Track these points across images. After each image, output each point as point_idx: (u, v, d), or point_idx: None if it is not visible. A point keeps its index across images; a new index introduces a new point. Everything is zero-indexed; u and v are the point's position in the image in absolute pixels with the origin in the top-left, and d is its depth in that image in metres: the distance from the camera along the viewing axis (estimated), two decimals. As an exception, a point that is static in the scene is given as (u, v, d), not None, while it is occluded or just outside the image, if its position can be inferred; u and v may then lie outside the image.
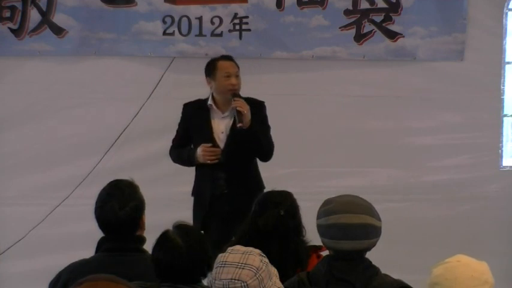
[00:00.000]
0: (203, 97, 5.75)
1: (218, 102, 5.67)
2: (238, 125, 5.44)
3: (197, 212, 5.70)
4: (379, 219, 3.30)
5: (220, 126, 5.65)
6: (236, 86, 5.57)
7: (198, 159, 5.59)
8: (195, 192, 5.77)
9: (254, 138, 5.52)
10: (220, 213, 5.55)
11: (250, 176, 5.67)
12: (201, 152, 5.56)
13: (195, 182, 5.80)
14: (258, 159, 5.75)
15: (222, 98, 5.64)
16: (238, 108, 5.46)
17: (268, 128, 5.70)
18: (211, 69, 5.67)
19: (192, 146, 5.72)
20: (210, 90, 5.70)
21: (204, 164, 5.59)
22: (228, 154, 5.56)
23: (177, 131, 5.84)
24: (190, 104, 5.79)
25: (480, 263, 3.05)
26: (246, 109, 5.46)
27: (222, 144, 5.61)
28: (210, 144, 5.57)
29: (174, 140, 5.84)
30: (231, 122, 5.61)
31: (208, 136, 5.61)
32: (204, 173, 5.66)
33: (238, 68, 5.68)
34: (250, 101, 5.66)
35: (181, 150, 5.74)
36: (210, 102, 5.67)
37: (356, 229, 3.22)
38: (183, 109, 5.82)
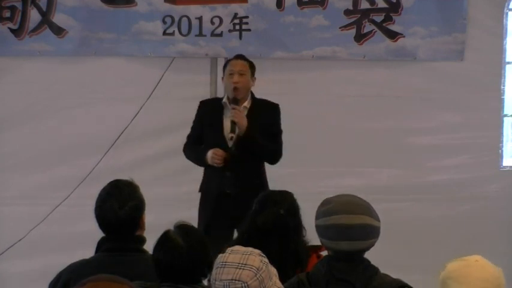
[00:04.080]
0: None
1: (230, 101, 5.71)
2: (230, 135, 5.49)
3: (203, 209, 5.73)
4: (378, 220, 3.30)
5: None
6: (238, 84, 5.59)
7: (207, 160, 5.63)
8: (202, 189, 5.79)
9: (251, 144, 5.54)
10: (225, 213, 5.57)
11: (256, 178, 5.68)
12: (211, 154, 5.59)
13: (203, 178, 5.82)
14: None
15: (230, 96, 5.68)
16: (230, 118, 5.51)
17: (278, 131, 5.72)
18: (223, 68, 5.78)
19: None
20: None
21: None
22: (234, 156, 5.57)
23: (192, 128, 5.86)
24: (206, 101, 5.86)
25: (496, 267, 3.06)
26: (239, 118, 5.48)
27: (231, 143, 5.64)
28: (218, 149, 5.60)
29: (188, 137, 5.87)
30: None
31: (218, 134, 5.65)
32: (212, 171, 5.69)
33: (252, 67, 5.71)
34: (264, 103, 5.70)
35: (195, 148, 5.76)
36: (224, 100, 5.71)
37: (355, 229, 3.22)
38: (199, 106, 5.86)
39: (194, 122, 5.86)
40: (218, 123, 5.67)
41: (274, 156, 5.71)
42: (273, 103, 5.76)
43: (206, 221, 5.57)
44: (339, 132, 6.76)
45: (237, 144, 5.58)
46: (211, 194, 5.66)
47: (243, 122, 5.51)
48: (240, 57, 5.81)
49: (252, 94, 5.74)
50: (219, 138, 5.63)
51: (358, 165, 6.81)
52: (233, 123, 5.52)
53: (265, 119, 5.64)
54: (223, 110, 5.70)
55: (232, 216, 5.50)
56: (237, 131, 5.54)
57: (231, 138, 5.52)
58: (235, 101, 5.59)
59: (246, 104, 5.65)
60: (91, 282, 2.05)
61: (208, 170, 5.73)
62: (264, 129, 5.60)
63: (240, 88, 5.60)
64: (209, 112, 5.76)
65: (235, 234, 5.48)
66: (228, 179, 5.59)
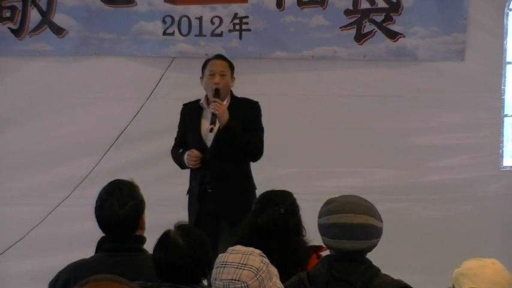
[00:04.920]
0: (203, 97, 5.75)
1: (210, 101, 5.67)
2: (210, 126, 5.47)
3: (190, 211, 5.74)
4: (381, 220, 3.31)
5: (208, 125, 5.64)
6: (219, 85, 5.56)
7: (185, 162, 5.63)
8: (188, 191, 5.79)
9: (231, 137, 5.51)
10: (208, 212, 5.58)
11: (237, 176, 5.64)
12: (186, 156, 5.60)
13: (189, 181, 5.82)
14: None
15: (211, 97, 5.65)
16: (211, 110, 5.48)
17: (259, 128, 5.68)
18: (202, 68, 5.71)
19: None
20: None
21: None
22: (212, 153, 5.57)
23: (177, 131, 5.86)
24: (188, 104, 5.81)
25: (510, 274, 3.09)
26: (220, 110, 5.46)
27: (209, 143, 5.62)
28: (193, 150, 5.59)
29: (174, 140, 5.87)
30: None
31: (196, 135, 5.64)
32: (194, 172, 5.69)
33: (232, 67, 5.67)
34: (244, 101, 5.67)
35: (177, 152, 5.77)
36: (202, 101, 5.68)
37: (356, 229, 3.23)
38: (182, 109, 5.84)
39: (178, 125, 5.85)
40: (196, 125, 5.66)
41: (255, 151, 5.63)
42: (253, 100, 5.69)
43: (192, 221, 5.56)
44: (339, 132, 6.76)
45: (217, 137, 5.55)
46: (194, 194, 5.67)
47: (224, 114, 5.47)
48: (220, 57, 5.75)
49: (231, 93, 5.70)
50: (197, 140, 5.62)
51: (358, 165, 6.81)
52: (213, 115, 5.48)
53: (246, 116, 5.59)
54: (202, 111, 5.68)
55: (216, 215, 5.54)
56: (217, 124, 5.51)
57: (211, 130, 5.48)
58: (217, 94, 5.56)
59: (225, 102, 5.61)
60: (91, 282, 2.05)
61: (191, 171, 5.72)
62: (245, 126, 5.56)
63: (221, 89, 5.57)
64: (189, 114, 5.74)
65: (223, 233, 5.51)
66: (208, 178, 5.58)
